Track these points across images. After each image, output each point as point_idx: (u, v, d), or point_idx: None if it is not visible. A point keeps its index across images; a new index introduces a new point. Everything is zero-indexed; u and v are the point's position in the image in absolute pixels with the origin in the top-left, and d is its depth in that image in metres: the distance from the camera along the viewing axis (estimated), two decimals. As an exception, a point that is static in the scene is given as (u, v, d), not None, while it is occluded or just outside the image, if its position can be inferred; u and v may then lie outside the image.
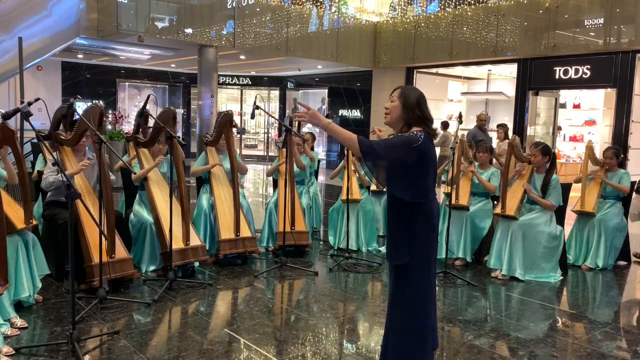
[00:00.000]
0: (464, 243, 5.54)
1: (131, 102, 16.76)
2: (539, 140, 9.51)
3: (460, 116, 5.58)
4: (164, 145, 5.03)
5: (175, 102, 17.34)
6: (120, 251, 4.34)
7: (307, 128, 16.64)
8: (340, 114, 15.86)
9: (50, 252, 4.31)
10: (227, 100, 18.66)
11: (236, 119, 17.55)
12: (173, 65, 15.81)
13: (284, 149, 5.82)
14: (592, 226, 5.64)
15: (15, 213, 3.78)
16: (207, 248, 5.21)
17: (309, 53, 12.58)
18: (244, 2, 11.45)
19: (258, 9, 11.67)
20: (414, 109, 2.68)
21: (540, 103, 11.60)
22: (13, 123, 3.72)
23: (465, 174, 5.71)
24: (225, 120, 5.27)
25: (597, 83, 10.38)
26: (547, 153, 5.22)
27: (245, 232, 5.28)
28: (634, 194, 5.77)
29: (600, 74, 10.13)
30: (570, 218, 5.77)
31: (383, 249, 5.85)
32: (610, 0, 9.54)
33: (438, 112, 14.30)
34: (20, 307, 3.83)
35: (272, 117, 7.52)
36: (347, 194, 5.68)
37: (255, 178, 12.91)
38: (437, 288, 4.81)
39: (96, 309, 3.91)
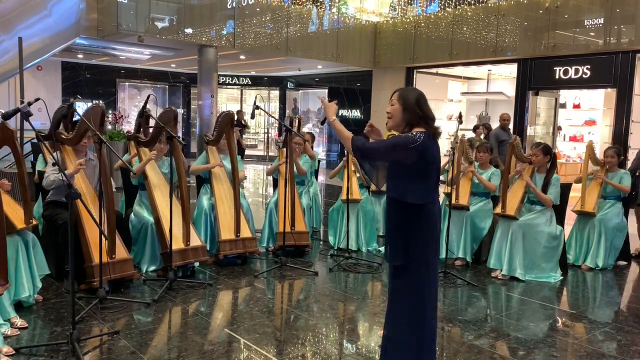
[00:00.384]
0: (464, 243, 5.54)
1: (131, 102, 16.76)
2: (539, 140, 9.54)
3: (460, 116, 5.58)
4: (165, 145, 5.03)
5: (175, 102, 17.34)
6: (121, 251, 4.34)
7: (307, 128, 16.68)
8: (340, 114, 15.86)
9: (50, 252, 4.31)
10: (227, 100, 18.66)
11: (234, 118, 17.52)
12: (173, 65, 15.82)
13: (284, 149, 5.82)
14: (592, 226, 5.64)
15: (15, 213, 3.78)
16: (208, 248, 5.21)
17: (309, 53, 12.58)
18: (244, 2, 11.45)
19: (258, 9, 11.67)
20: (414, 109, 2.68)
21: (540, 103, 11.60)
22: (13, 123, 3.72)
23: (466, 174, 5.71)
24: (227, 120, 5.27)
25: (597, 83, 10.39)
26: (548, 153, 5.22)
27: (245, 232, 5.28)
28: None
29: (600, 74, 10.13)
30: (570, 218, 5.77)
31: (383, 249, 5.85)
32: (610, 0, 9.55)
33: (438, 112, 14.29)
34: (20, 307, 3.83)
35: (272, 117, 7.51)
36: (347, 194, 5.68)
37: (255, 178, 12.91)
38: (437, 288, 4.82)
39: (96, 309, 3.91)
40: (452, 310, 4.25)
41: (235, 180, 5.32)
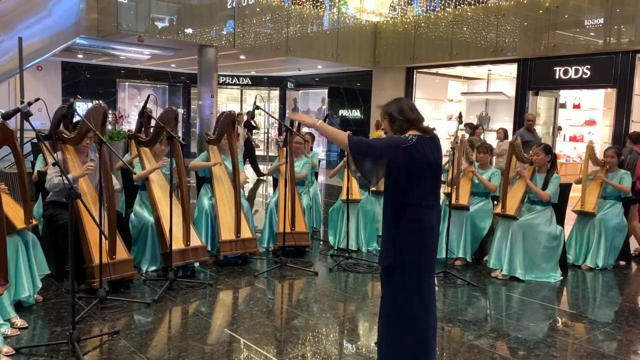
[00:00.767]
0: (464, 243, 5.54)
1: (131, 102, 16.76)
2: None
3: (460, 116, 5.58)
4: (165, 145, 5.03)
5: (175, 102, 17.34)
6: (121, 252, 4.34)
7: (307, 128, 16.65)
8: (340, 114, 15.86)
9: (50, 252, 4.31)
10: (227, 100, 18.66)
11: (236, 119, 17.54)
12: (173, 65, 15.82)
13: (284, 148, 5.82)
14: (592, 226, 5.63)
15: (15, 213, 3.78)
16: (209, 249, 5.21)
17: (309, 53, 12.58)
18: (244, 2, 11.46)
19: (258, 9, 11.67)
20: (397, 118, 2.77)
21: (540, 103, 11.60)
22: (13, 123, 3.72)
23: (466, 174, 5.71)
24: (228, 120, 5.26)
25: (597, 83, 10.39)
26: (549, 152, 5.23)
27: (245, 232, 5.28)
28: None
29: (600, 74, 10.14)
30: (570, 218, 5.77)
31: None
32: (610, 0, 9.55)
33: (438, 112, 14.31)
34: (20, 307, 3.82)
35: (272, 117, 7.52)
36: (347, 194, 5.68)
37: (255, 178, 12.91)
38: (437, 288, 4.82)
39: (96, 309, 3.91)
40: (452, 310, 4.25)
41: (236, 181, 5.32)
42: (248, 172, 12.46)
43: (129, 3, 10.17)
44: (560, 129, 12.46)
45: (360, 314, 4.18)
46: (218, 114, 5.40)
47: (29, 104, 3.11)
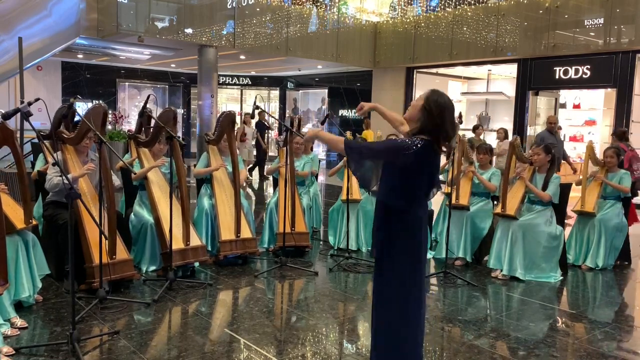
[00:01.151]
0: (464, 243, 5.54)
1: (131, 102, 16.77)
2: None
3: (460, 116, 5.58)
4: (164, 145, 5.03)
5: (175, 102, 17.35)
6: (121, 252, 4.34)
7: (307, 128, 16.66)
8: (340, 114, 15.86)
9: (50, 252, 4.31)
10: (227, 100, 18.66)
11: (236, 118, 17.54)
12: (173, 65, 15.82)
13: (285, 148, 5.83)
14: (592, 226, 5.63)
15: (15, 213, 3.78)
16: (209, 249, 5.21)
17: (309, 53, 12.59)
18: (244, 2, 11.46)
19: (258, 9, 11.67)
20: (435, 118, 2.58)
21: (540, 103, 11.61)
22: (13, 123, 3.72)
23: (466, 174, 5.71)
24: (228, 120, 5.27)
25: (597, 83, 10.39)
26: (549, 152, 5.23)
27: (245, 232, 5.28)
28: None
29: (600, 74, 10.14)
30: (570, 218, 5.77)
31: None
32: (610, 0, 9.55)
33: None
34: (20, 307, 3.82)
35: (272, 117, 7.52)
36: (347, 194, 5.68)
37: (255, 178, 12.91)
38: (437, 288, 4.82)
39: (96, 309, 3.91)
40: (452, 310, 4.25)
41: (236, 181, 5.32)
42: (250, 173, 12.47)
43: (129, 3, 10.18)
44: (560, 128, 12.45)
45: (360, 314, 4.18)
46: (218, 114, 5.40)
47: (29, 104, 3.11)
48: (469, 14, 11.67)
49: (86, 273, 4.19)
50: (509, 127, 11.31)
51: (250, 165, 12.41)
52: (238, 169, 5.33)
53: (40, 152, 5.13)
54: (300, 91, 17.89)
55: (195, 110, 16.16)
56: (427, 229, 2.84)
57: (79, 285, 4.20)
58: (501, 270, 5.12)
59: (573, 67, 10.49)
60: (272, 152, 17.05)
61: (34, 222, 3.92)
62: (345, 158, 5.99)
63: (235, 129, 5.99)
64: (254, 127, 12.54)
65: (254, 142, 12.51)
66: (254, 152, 12.68)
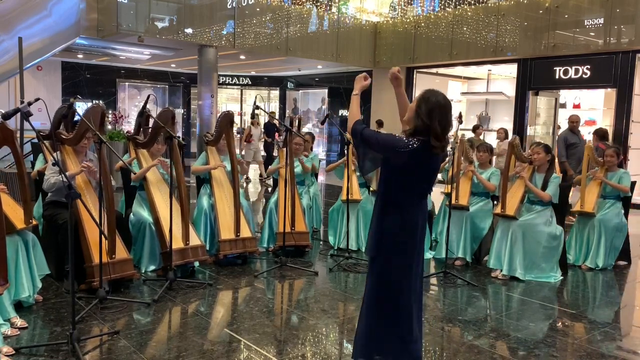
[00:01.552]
0: (464, 243, 5.54)
1: (131, 102, 16.77)
2: (538, 140, 9.54)
3: (460, 116, 5.57)
4: (162, 145, 5.03)
5: (175, 102, 17.35)
6: (121, 251, 4.34)
7: (306, 128, 16.67)
8: (340, 114, 15.87)
9: (50, 252, 4.31)
10: (227, 100, 18.66)
11: (236, 119, 17.56)
12: (173, 65, 15.82)
13: (285, 149, 5.83)
14: (592, 226, 5.64)
15: (15, 213, 3.78)
16: (207, 248, 5.21)
17: (309, 53, 12.59)
18: (244, 2, 11.46)
19: (258, 9, 11.67)
20: (423, 117, 2.60)
21: (540, 103, 11.60)
22: (13, 123, 3.72)
23: (465, 173, 5.71)
24: (226, 121, 5.27)
25: (597, 83, 10.39)
26: (549, 152, 5.23)
27: (245, 232, 5.28)
28: None
29: (600, 74, 10.14)
30: (571, 221, 5.77)
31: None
32: (610, 0, 9.55)
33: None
34: (20, 307, 3.82)
35: (272, 117, 7.51)
36: (347, 194, 5.68)
37: (255, 178, 12.91)
38: (437, 288, 4.82)
39: (96, 309, 3.91)
40: (452, 310, 4.25)
41: (235, 181, 5.33)
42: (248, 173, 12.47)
43: (129, 3, 10.18)
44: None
45: (360, 314, 4.17)
46: (218, 114, 5.40)
47: (29, 104, 3.11)
48: (469, 14, 11.67)
49: (86, 273, 4.19)
50: (509, 127, 11.31)
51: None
52: (237, 168, 5.33)
53: (40, 152, 5.13)
54: (300, 91, 17.89)
55: (195, 110, 16.17)
56: (424, 229, 2.84)
57: (79, 285, 4.20)
58: (501, 270, 5.13)
59: (573, 67, 10.49)
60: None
61: (34, 222, 3.92)
62: (344, 157, 6.01)
63: (234, 129, 5.99)
64: (261, 128, 12.55)
65: (261, 144, 12.51)
66: (262, 153, 12.69)
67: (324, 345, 3.54)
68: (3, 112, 3.33)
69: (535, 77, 11.12)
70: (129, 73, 16.26)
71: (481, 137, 10.45)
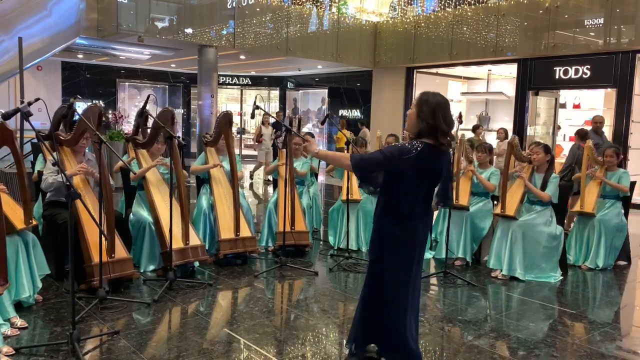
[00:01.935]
0: (464, 243, 5.54)
1: (131, 102, 16.77)
2: (538, 140, 9.53)
3: (460, 116, 5.57)
4: (162, 145, 5.03)
5: (175, 102, 17.35)
6: (120, 251, 4.34)
7: (306, 128, 16.67)
8: (340, 114, 15.86)
9: (50, 252, 4.31)
10: (227, 100, 18.66)
11: (236, 119, 17.57)
12: (173, 65, 15.82)
13: (284, 149, 5.83)
14: (592, 226, 5.63)
15: (15, 213, 3.78)
16: (207, 248, 5.21)
17: (309, 53, 12.58)
18: (244, 2, 11.46)
19: (258, 9, 11.67)
20: (427, 119, 2.64)
21: (540, 103, 11.60)
22: (13, 123, 3.72)
23: (465, 173, 5.71)
24: (225, 121, 5.27)
25: (597, 83, 10.39)
26: (548, 152, 5.23)
27: (245, 231, 5.28)
28: None
29: (600, 74, 10.14)
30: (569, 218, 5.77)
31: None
32: (610, 0, 9.55)
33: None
34: (20, 307, 3.82)
35: (272, 117, 7.51)
36: (347, 194, 5.68)
37: (255, 178, 12.90)
38: (437, 288, 4.82)
39: (96, 309, 3.91)
40: (452, 310, 4.25)
41: (235, 181, 5.33)
42: (247, 172, 12.46)
43: (129, 3, 10.18)
44: (559, 127, 12.46)
45: (360, 314, 4.17)
46: (218, 114, 5.40)
47: (29, 104, 3.11)
48: (469, 14, 11.67)
49: (85, 272, 4.19)
50: (509, 127, 11.31)
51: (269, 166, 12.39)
52: (236, 167, 5.33)
53: (40, 152, 5.13)
54: (300, 91, 17.89)
55: (195, 110, 16.17)
56: (426, 233, 2.85)
57: (79, 285, 4.20)
58: (501, 270, 5.12)
59: (573, 67, 10.48)
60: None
61: (34, 222, 3.92)
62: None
63: (234, 128, 5.99)
64: (272, 128, 12.51)
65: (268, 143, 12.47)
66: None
67: (324, 345, 3.54)
68: (3, 112, 3.33)
69: (535, 77, 11.12)
70: (129, 73, 16.26)
71: (481, 137, 10.45)
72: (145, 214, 4.95)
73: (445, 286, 4.87)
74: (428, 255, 5.72)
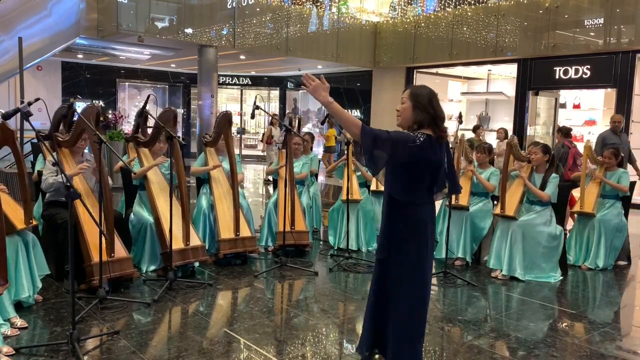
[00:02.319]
0: (464, 243, 5.54)
1: (131, 102, 16.77)
2: (538, 140, 9.53)
3: (460, 116, 5.58)
4: (164, 144, 5.03)
5: (175, 102, 17.34)
6: (120, 251, 4.34)
7: (306, 128, 16.67)
8: (340, 114, 15.83)
9: (50, 252, 4.31)
10: (227, 100, 18.66)
11: (236, 119, 17.58)
12: (173, 65, 15.82)
13: (284, 150, 5.82)
14: (592, 227, 5.63)
15: (15, 213, 3.78)
16: (207, 248, 5.21)
17: (309, 53, 12.58)
18: (244, 2, 11.46)
19: (258, 9, 11.67)
20: (426, 108, 2.67)
21: (540, 103, 11.61)
22: (13, 123, 3.72)
23: (465, 173, 5.71)
24: (224, 121, 5.27)
25: (597, 83, 10.39)
26: (547, 152, 5.22)
27: (245, 231, 5.28)
28: None
29: (600, 74, 10.14)
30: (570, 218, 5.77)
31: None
32: (610, 0, 9.55)
33: (438, 112, 14.28)
34: (20, 307, 3.82)
35: (272, 117, 7.51)
36: (347, 194, 5.68)
37: (255, 178, 12.91)
38: (437, 288, 4.82)
39: (96, 309, 3.91)
40: (452, 310, 4.25)
41: (235, 181, 5.32)
42: (248, 173, 12.46)
43: (129, 3, 10.17)
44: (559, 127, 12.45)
45: (360, 314, 4.17)
46: (218, 114, 5.40)
47: (29, 104, 3.11)
48: (469, 14, 11.67)
49: (85, 272, 4.19)
50: (509, 127, 11.31)
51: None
52: (236, 168, 5.33)
53: (40, 152, 5.13)
54: (300, 91, 17.88)
55: (195, 110, 16.16)
56: (433, 227, 2.84)
57: (79, 285, 4.20)
58: (501, 270, 5.12)
59: (573, 67, 10.49)
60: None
61: (34, 222, 3.92)
62: (344, 156, 6.01)
63: (234, 128, 5.98)
64: (282, 129, 12.48)
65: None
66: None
67: (324, 345, 3.54)
68: (3, 112, 3.33)
69: (535, 77, 11.12)
70: (129, 73, 16.25)
71: (481, 137, 10.45)
72: (146, 214, 4.95)
73: (445, 286, 4.87)
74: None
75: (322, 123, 11.46)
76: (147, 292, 4.42)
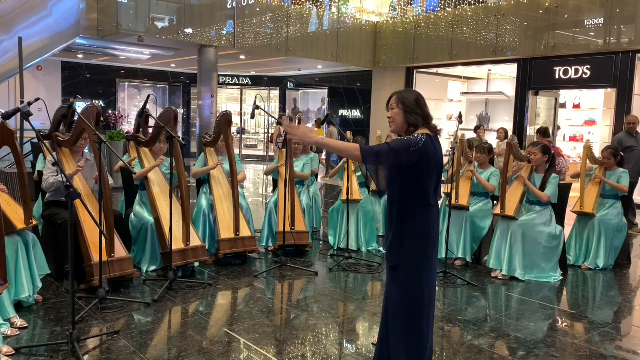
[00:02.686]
0: (464, 243, 5.54)
1: (131, 102, 16.76)
2: (538, 140, 9.52)
3: (460, 116, 5.57)
4: (164, 144, 5.04)
5: (175, 102, 17.34)
6: (120, 251, 4.34)
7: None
8: (340, 114, 15.86)
9: (50, 252, 4.31)
10: (227, 100, 18.66)
11: (236, 119, 17.58)
12: (173, 65, 15.82)
13: (284, 149, 5.82)
14: (592, 227, 5.63)
15: (15, 213, 3.78)
16: (207, 248, 5.21)
17: (309, 53, 12.58)
18: (244, 2, 11.46)
19: (258, 9, 11.67)
20: (415, 110, 2.70)
21: (540, 103, 11.60)
22: (13, 123, 3.72)
23: (465, 173, 5.71)
24: (224, 121, 5.27)
25: (597, 83, 10.39)
26: (547, 152, 5.22)
27: (244, 231, 5.28)
28: None
29: (600, 74, 10.14)
30: (570, 218, 5.77)
31: (383, 249, 5.85)
32: (610, 0, 9.55)
33: (438, 112, 14.30)
34: (20, 307, 3.83)
35: (272, 117, 7.50)
36: (347, 194, 5.68)
37: (255, 178, 12.91)
38: (437, 288, 4.82)
39: (96, 309, 3.91)
40: (452, 310, 4.25)
41: (234, 181, 5.33)
42: (248, 173, 12.46)
43: (129, 3, 10.17)
44: (559, 128, 12.46)
45: (360, 314, 4.18)
46: (218, 114, 5.40)
47: (29, 104, 3.11)
48: (469, 14, 11.67)
49: (85, 272, 4.19)
50: (509, 127, 11.30)
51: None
52: (236, 167, 5.33)
53: (40, 152, 5.13)
54: (300, 91, 17.88)
55: (195, 110, 16.16)
56: (438, 228, 2.84)
57: (79, 285, 4.20)
58: (501, 271, 5.12)
59: (573, 67, 10.48)
60: (271, 152, 17.05)
61: (34, 222, 3.92)
62: (344, 158, 6.01)
63: (234, 128, 5.97)
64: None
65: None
66: None
67: (324, 345, 3.54)
68: (3, 112, 3.33)
69: (535, 77, 11.12)
70: (129, 73, 16.25)
71: (482, 137, 10.45)
72: (146, 214, 4.95)
73: (445, 286, 4.87)
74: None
75: (322, 123, 11.46)
76: (147, 292, 4.42)
